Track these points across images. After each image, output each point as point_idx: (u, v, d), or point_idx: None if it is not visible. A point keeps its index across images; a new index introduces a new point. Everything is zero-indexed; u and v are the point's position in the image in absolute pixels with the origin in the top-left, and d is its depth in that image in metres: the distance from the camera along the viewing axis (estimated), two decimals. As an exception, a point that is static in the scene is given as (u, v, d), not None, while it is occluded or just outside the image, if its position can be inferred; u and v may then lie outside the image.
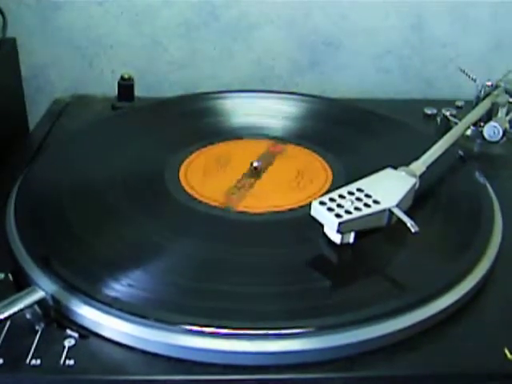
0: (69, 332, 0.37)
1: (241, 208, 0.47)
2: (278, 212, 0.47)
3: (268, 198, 0.49)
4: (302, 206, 0.47)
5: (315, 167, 0.53)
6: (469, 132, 0.61)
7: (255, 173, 0.51)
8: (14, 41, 0.64)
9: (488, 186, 0.51)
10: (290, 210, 0.47)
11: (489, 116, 0.60)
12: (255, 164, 0.52)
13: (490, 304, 0.40)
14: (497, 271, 0.43)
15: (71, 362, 0.35)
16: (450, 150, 0.53)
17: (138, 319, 0.36)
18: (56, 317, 0.38)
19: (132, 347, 0.36)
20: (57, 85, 0.77)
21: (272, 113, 0.62)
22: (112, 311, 0.37)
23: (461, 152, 0.56)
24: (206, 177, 0.51)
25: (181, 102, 0.64)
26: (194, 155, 0.54)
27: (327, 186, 0.50)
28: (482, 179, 0.52)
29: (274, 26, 0.76)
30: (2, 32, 0.62)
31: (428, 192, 0.49)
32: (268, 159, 0.54)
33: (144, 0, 0.74)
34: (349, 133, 0.59)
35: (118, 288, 0.38)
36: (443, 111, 0.64)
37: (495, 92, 0.61)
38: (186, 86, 0.77)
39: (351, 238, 0.42)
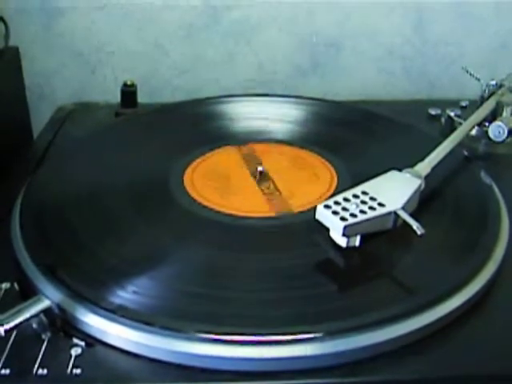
0: (75, 341, 0.37)
1: (299, 208, 0.47)
2: (283, 216, 0.46)
3: (303, 194, 0.49)
4: (306, 210, 0.47)
5: (320, 170, 0.53)
6: (474, 132, 0.61)
7: (263, 177, 0.51)
8: (16, 49, 0.64)
9: (494, 186, 0.51)
10: (297, 214, 0.47)
11: (493, 116, 0.60)
12: (259, 169, 0.51)
13: (498, 306, 0.40)
14: (504, 273, 0.42)
15: (78, 371, 0.35)
16: (455, 150, 0.52)
17: (144, 326, 0.36)
18: (62, 325, 0.37)
19: (138, 355, 0.36)
20: (60, 92, 0.77)
21: (275, 117, 0.62)
22: (118, 319, 0.36)
23: (466, 152, 0.56)
24: (211, 182, 0.51)
25: (184, 108, 0.64)
26: (198, 160, 0.54)
27: (332, 190, 0.50)
28: (487, 179, 0.52)
29: (275, 28, 0.76)
30: (4, 40, 0.62)
31: (433, 193, 0.49)
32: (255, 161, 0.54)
33: (145, 5, 0.74)
34: (353, 135, 0.59)
35: (124, 295, 0.38)
36: (447, 111, 0.64)
37: (500, 91, 0.61)
38: (189, 91, 0.77)
39: (357, 241, 0.42)
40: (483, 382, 0.36)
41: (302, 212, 0.47)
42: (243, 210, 0.47)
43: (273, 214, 0.47)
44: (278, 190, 0.50)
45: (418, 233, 0.40)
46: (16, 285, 0.41)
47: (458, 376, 0.35)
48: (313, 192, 0.49)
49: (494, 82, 0.62)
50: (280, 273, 0.41)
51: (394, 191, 0.44)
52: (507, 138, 0.58)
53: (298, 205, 0.48)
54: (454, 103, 0.66)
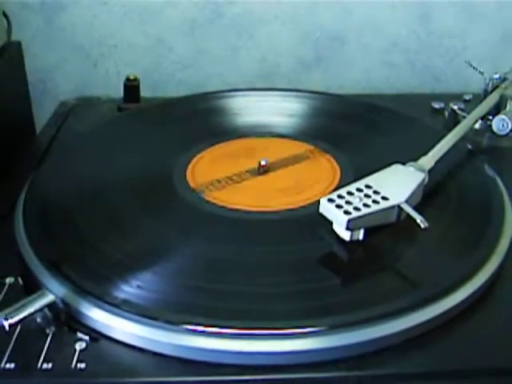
0: (79, 335, 0.37)
1: (312, 200, 0.47)
2: (286, 210, 0.46)
3: (306, 189, 0.48)
4: (310, 204, 0.47)
5: (323, 164, 0.53)
6: (477, 125, 0.61)
7: (260, 171, 0.51)
8: (18, 44, 0.64)
9: (498, 179, 0.51)
10: (300, 207, 0.47)
11: (497, 109, 0.60)
12: (262, 162, 0.51)
13: (502, 300, 0.40)
14: (508, 266, 0.42)
15: (82, 365, 0.35)
16: (459, 144, 0.52)
17: (149, 321, 0.36)
18: (66, 320, 0.37)
19: (143, 349, 0.36)
20: (62, 87, 0.77)
21: (278, 110, 0.62)
22: (122, 313, 0.36)
23: (469, 146, 0.55)
24: (214, 176, 0.51)
25: (187, 102, 0.64)
26: (200, 155, 0.54)
27: (335, 183, 0.50)
28: (491, 173, 0.51)
29: (278, 22, 0.76)
30: (6, 36, 0.62)
31: (437, 187, 0.49)
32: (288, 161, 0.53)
33: (147, -1, 0.74)
34: (356, 129, 0.59)
35: (128, 290, 0.38)
36: (451, 105, 0.64)
37: (503, 85, 0.61)
38: (192, 85, 0.77)
39: (361, 234, 0.42)
40: (488, 375, 0.36)
41: (304, 206, 0.47)
42: (246, 205, 0.47)
43: (277, 209, 0.47)
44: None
45: (422, 226, 0.40)
46: (20, 279, 0.41)
47: (463, 370, 0.35)
48: (316, 186, 0.49)
49: (497, 76, 0.62)
50: (283, 267, 0.41)
51: (397, 185, 0.44)
52: (511, 131, 0.58)
53: (311, 196, 0.47)
54: (457, 97, 0.66)
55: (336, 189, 0.46)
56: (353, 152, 0.54)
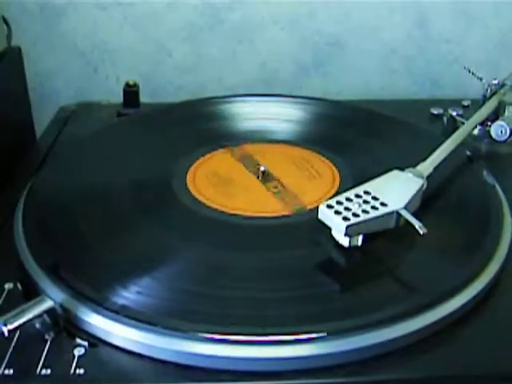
0: (78, 341, 0.37)
1: (311, 206, 0.47)
2: (285, 216, 0.46)
3: (310, 193, 0.49)
4: (309, 210, 0.47)
5: (322, 170, 0.53)
6: (476, 131, 0.61)
7: (259, 176, 0.51)
8: (18, 49, 0.64)
9: (496, 185, 0.51)
10: (299, 213, 0.47)
11: (496, 115, 0.60)
12: (262, 168, 0.51)
13: (502, 304, 0.40)
14: (507, 272, 0.42)
15: (81, 371, 0.35)
16: (458, 150, 0.52)
17: (147, 326, 0.36)
18: (65, 326, 0.37)
19: (142, 355, 0.36)
20: (62, 92, 0.77)
21: (278, 116, 0.62)
22: (121, 319, 0.37)
23: (468, 152, 0.55)
24: (214, 182, 0.51)
25: (186, 107, 0.64)
26: (200, 160, 0.54)
27: (334, 189, 0.50)
28: (490, 179, 0.52)
29: (277, 27, 0.76)
30: (6, 41, 0.62)
31: (436, 193, 0.49)
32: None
33: (147, 4, 0.74)
34: (355, 135, 0.59)
35: (127, 295, 0.38)
36: (450, 111, 0.64)
37: (502, 90, 0.61)
38: (192, 91, 0.77)
39: (359, 240, 0.42)
40: (488, 381, 0.36)
41: (303, 212, 0.47)
42: (246, 210, 0.47)
43: (276, 214, 0.47)
44: (286, 188, 0.50)
45: (421, 232, 0.40)
46: (19, 285, 0.41)
47: (463, 375, 0.35)
48: (315, 192, 0.49)
49: (496, 82, 0.62)
50: (282, 273, 0.41)
51: (396, 191, 0.44)
52: (509, 137, 0.58)
53: (310, 202, 0.48)
54: (456, 103, 0.66)
55: (335, 195, 0.46)
56: (352, 158, 0.54)
